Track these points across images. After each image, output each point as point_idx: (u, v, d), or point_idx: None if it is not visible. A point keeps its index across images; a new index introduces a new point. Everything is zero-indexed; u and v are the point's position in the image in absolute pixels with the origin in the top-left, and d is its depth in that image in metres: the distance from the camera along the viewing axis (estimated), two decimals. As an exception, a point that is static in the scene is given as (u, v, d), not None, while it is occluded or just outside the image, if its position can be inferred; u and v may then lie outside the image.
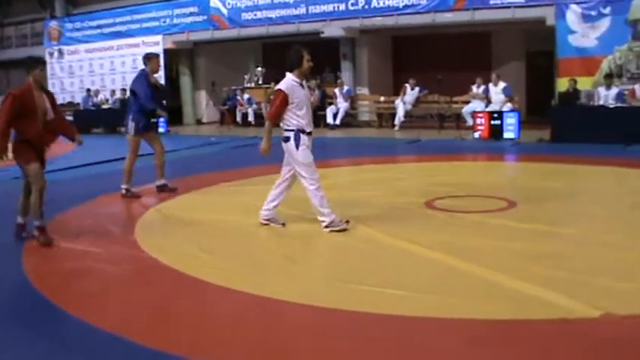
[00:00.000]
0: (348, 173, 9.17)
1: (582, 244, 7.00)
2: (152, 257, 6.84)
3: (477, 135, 17.67)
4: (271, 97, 23.32)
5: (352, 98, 23.04)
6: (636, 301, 5.20)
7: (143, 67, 10.37)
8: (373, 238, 7.41)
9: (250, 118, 24.24)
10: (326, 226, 7.63)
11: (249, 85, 25.70)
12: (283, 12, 23.31)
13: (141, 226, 8.30)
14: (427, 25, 21.10)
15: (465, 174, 10.02)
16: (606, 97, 16.51)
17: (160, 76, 23.13)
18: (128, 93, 11.54)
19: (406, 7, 21.10)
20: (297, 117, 7.73)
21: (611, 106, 16.19)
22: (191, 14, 25.17)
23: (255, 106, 24.29)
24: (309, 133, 7.83)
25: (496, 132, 17.34)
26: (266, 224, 7.99)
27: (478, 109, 18.73)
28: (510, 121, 17.16)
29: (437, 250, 6.72)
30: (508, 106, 18.40)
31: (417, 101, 21.52)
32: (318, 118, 22.66)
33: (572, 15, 18.46)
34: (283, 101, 7.63)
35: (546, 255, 6.58)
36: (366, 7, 21.75)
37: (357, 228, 7.81)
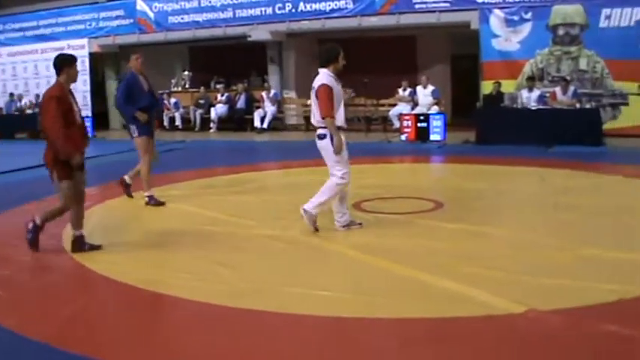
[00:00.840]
0: (277, 177, 9.23)
1: (507, 243, 7.19)
2: (80, 264, 6.75)
3: (403, 137, 17.87)
4: (200, 101, 23.23)
5: (279, 102, 23.09)
6: (559, 296, 5.36)
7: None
8: (301, 240, 7.47)
9: (177, 122, 24.06)
10: (304, 212, 7.69)
11: (176, 89, 25.52)
12: (210, 15, 23.19)
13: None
14: (353, 28, 21.25)
15: (392, 176, 10.15)
16: (528, 99, 16.88)
17: (86, 81, 22.94)
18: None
19: (333, 10, 21.24)
20: None
21: (533, 108, 16.56)
22: (117, 17, 24.81)
23: (182, 110, 24.12)
24: (344, 130, 7.72)
25: (423, 134, 17.57)
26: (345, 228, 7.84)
27: (405, 112, 18.95)
28: (437, 124, 17.42)
29: (365, 252, 6.81)
30: (435, 108, 18.67)
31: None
32: (246, 122, 22.70)
33: (496, 19, 18.85)
34: (330, 95, 7.46)
35: (472, 254, 6.72)
36: (293, 10, 21.81)
37: (287, 231, 7.86)
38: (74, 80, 7.12)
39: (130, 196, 10.09)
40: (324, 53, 7.77)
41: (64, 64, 7.00)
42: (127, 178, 10.11)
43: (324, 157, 7.68)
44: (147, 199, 9.64)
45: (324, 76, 7.57)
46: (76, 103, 7.18)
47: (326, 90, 7.44)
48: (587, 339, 4.57)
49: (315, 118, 7.64)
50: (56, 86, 6.98)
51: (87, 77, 23.05)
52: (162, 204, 9.58)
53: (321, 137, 7.58)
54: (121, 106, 9.74)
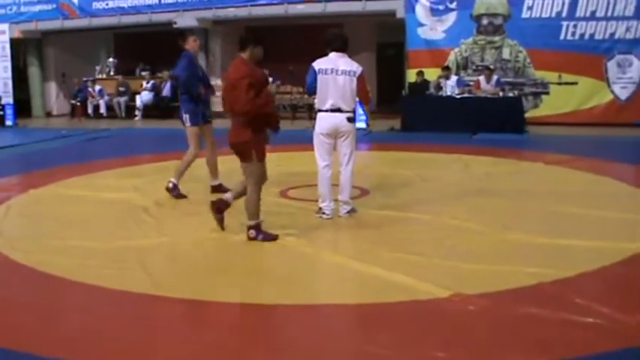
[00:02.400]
0: (200, 165, 9.17)
1: (432, 229, 7.31)
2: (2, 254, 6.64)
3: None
4: (121, 88, 22.92)
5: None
6: (482, 280, 5.49)
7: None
8: (229, 227, 7.43)
9: (102, 110, 23.68)
10: (349, 208, 7.88)
11: (100, 76, 25.12)
12: (135, 2, 22.86)
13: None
14: (280, 16, 21.25)
15: (318, 164, 10.22)
16: (446, 86, 17.15)
17: (7, 67, 22.39)
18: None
19: (260, -2, 21.21)
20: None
21: (457, 96, 16.81)
22: (39, 2, 24.14)
23: (107, 97, 23.76)
24: None
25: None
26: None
27: (331, 100, 18.99)
28: (361, 112, 17.52)
29: (291, 238, 6.84)
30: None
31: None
32: (172, 110, 22.47)
33: (421, 9, 19.08)
34: None
35: (398, 240, 6.82)
36: (220, -3, 21.71)
37: (212, 218, 7.84)
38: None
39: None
40: (340, 38, 7.82)
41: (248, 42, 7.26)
42: (212, 183, 9.46)
43: (348, 141, 7.75)
44: (171, 185, 9.10)
45: (353, 61, 7.75)
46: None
47: (364, 76, 7.76)
48: (510, 321, 4.71)
49: (345, 101, 7.59)
50: (245, 64, 6.98)
51: (8, 64, 22.43)
52: (184, 197, 9.07)
53: (351, 120, 7.73)
54: (189, 83, 9.09)
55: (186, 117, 9.06)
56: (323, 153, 7.77)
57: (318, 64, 7.61)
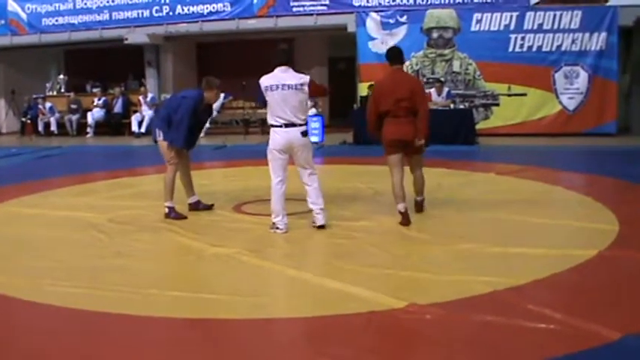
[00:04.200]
0: (155, 181, 9.14)
1: (384, 240, 7.34)
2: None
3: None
4: (72, 105, 22.72)
5: (157, 106, 22.81)
6: (437, 290, 5.55)
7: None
8: (182, 244, 7.44)
9: (53, 127, 23.39)
10: (323, 215, 7.89)
11: (51, 93, 24.86)
12: (86, 18, 22.70)
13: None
14: (231, 31, 21.28)
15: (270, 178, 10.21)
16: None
17: None
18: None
19: (210, 13, 21.20)
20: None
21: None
22: (-13, 19, 23.98)
23: (57, 115, 23.52)
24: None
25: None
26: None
27: (284, 114, 19.05)
28: (314, 125, 17.55)
29: (247, 253, 6.83)
30: (312, 110, 18.84)
31: (222, 107, 21.64)
32: (123, 127, 22.36)
33: (372, 23, 19.24)
34: None
35: (350, 253, 6.86)
36: (171, 13, 21.66)
37: (168, 235, 7.83)
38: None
39: (208, 206, 9.30)
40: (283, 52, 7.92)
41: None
42: (191, 199, 9.27)
43: (304, 156, 7.85)
44: (167, 210, 8.77)
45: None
46: None
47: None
48: (465, 329, 4.75)
49: (297, 115, 7.66)
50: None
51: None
52: (183, 217, 8.73)
53: (305, 134, 7.82)
54: (180, 130, 8.69)
55: (159, 132, 8.83)
56: (277, 168, 7.77)
57: (263, 82, 7.67)
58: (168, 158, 8.80)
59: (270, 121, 7.74)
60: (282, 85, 7.56)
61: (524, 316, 4.85)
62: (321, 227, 7.78)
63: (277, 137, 7.66)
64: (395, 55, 8.37)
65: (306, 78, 7.73)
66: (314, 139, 17.42)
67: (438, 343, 4.58)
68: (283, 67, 7.68)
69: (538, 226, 7.76)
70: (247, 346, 4.67)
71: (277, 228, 7.71)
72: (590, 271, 6.08)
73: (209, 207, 9.19)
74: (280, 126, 7.62)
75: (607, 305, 5.19)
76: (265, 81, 7.65)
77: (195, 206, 9.15)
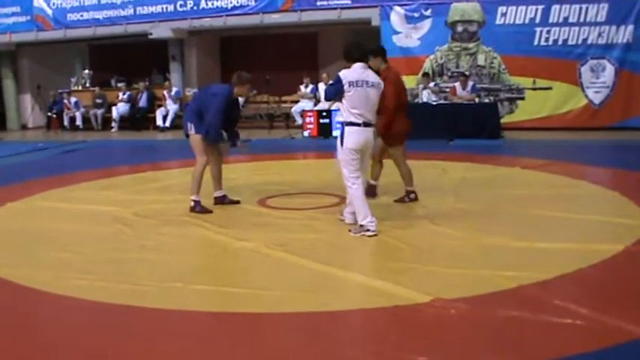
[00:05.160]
0: (180, 175, 9.17)
1: (410, 234, 7.30)
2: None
3: (306, 134, 18.00)
4: (97, 100, 22.81)
5: (181, 100, 22.89)
6: (462, 285, 5.52)
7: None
8: (208, 237, 7.46)
9: (78, 121, 23.52)
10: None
11: (76, 88, 24.97)
12: (110, 13, 22.78)
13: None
14: (255, 26, 21.27)
15: (296, 172, 10.22)
16: (429, 94, 17.25)
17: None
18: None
19: (234, 8, 21.19)
20: None
21: (433, 103, 16.91)
22: (13, 14, 24.00)
23: (82, 109, 23.66)
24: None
25: (325, 130, 17.72)
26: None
27: (307, 108, 19.11)
28: (338, 119, 17.53)
29: (272, 247, 6.84)
30: (337, 105, 18.83)
31: (246, 102, 21.67)
32: (148, 121, 22.44)
33: (396, 16, 19.16)
34: None
35: (375, 247, 6.86)
36: (195, 8, 21.67)
37: (193, 229, 7.85)
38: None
39: (234, 201, 9.27)
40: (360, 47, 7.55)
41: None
42: (217, 193, 9.26)
43: (367, 158, 7.60)
44: (192, 203, 8.78)
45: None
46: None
47: None
48: (490, 324, 4.74)
49: (373, 116, 7.35)
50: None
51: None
52: (209, 211, 8.72)
53: (374, 134, 7.60)
54: (212, 126, 8.70)
55: (190, 125, 8.80)
56: (355, 168, 7.30)
57: (347, 76, 7.19)
58: (198, 151, 8.80)
59: (350, 118, 7.23)
60: (366, 82, 7.19)
61: (549, 312, 4.82)
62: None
63: (357, 136, 7.21)
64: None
65: (380, 79, 7.51)
66: (337, 132, 17.41)
67: (463, 338, 4.56)
68: (362, 64, 7.33)
69: (564, 221, 7.71)
70: (271, 340, 4.68)
71: (367, 230, 7.15)
72: (617, 266, 6.04)
73: (235, 202, 9.18)
74: (360, 124, 7.19)
75: (633, 301, 5.15)
76: (350, 75, 7.20)
77: (221, 200, 9.15)
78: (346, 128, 7.26)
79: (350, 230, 7.35)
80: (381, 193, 9.26)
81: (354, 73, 7.23)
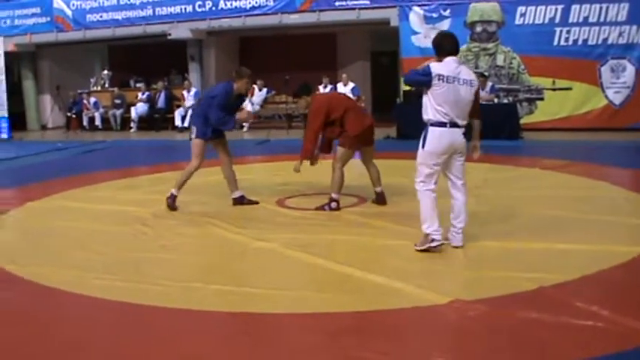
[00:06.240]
0: (198, 175, 9.17)
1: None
2: (1, 268, 6.61)
3: (325, 134, 17.96)
4: (116, 100, 22.91)
5: (200, 101, 22.92)
6: (481, 287, 5.52)
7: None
8: (227, 238, 7.47)
9: (97, 122, 23.66)
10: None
11: (95, 88, 25.08)
12: (129, 13, 22.86)
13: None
14: (274, 26, 21.28)
15: (314, 172, 10.17)
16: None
17: (1, 80, 22.34)
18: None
19: (253, 8, 21.21)
20: None
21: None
22: (33, 15, 24.13)
23: (102, 109, 23.76)
24: None
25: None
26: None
27: (326, 109, 19.08)
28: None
29: (290, 247, 6.85)
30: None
31: (265, 102, 21.72)
32: (167, 121, 22.50)
33: (415, 17, 19.12)
34: None
35: (397, 248, 6.83)
36: (214, 8, 21.70)
37: (211, 229, 7.87)
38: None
39: (254, 202, 9.28)
40: (453, 40, 6.73)
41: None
42: (234, 195, 9.30)
43: (461, 162, 6.84)
44: (169, 194, 9.04)
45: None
46: None
47: None
48: (510, 326, 4.71)
49: (463, 117, 6.55)
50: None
51: (2, 77, 22.39)
52: (175, 209, 8.94)
53: (465, 136, 6.69)
54: (219, 122, 8.88)
55: (193, 129, 9.07)
56: (432, 175, 6.63)
57: (437, 69, 6.41)
58: (194, 154, 9.04)
59: (434, 116, 6.45)
60: (459, 79, 6.39)
61: (570, 314, 4.79)
62: (457, 247, 6.66)
63: (440, 138, 6.45)
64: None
65: (475, 77, 6.78)
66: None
67: (483, 340, 4.55)
68: (456, 58, 6.53)
69: (584, 222, 7.65)
70: (289, 341, 4.68)
71: (433, 240, 6.52)
72: (638, 268, 5.99)
73: (254, 202, 9.21)
74: (446, 124, 6.42)
75: (655, 303, 5.11)
76: (440, 68, 6.41)
77: (240, 201, 9.19)
78: (430, 128, 6.48)
79: (415, 245, 6.65)
80: (390, 194, 9.21)
81: (446, 66, 6.42)
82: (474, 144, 6.93)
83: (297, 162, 8.88)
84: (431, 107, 6.43)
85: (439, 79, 6.32)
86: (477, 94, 6.57)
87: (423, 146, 6.52)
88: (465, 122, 6.54)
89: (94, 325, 5.07)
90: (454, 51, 6.55)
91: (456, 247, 6.64)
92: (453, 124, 6.43)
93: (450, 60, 6.47)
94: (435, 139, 6.45)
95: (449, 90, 6.34)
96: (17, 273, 6.35)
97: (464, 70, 6.51)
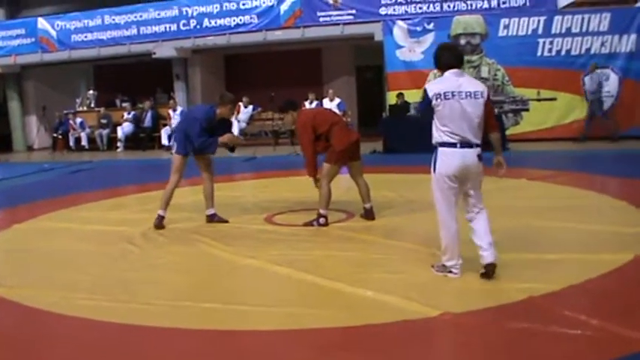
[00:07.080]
0: (188, 193, 9.18)
1: (416, 249, 7.25)
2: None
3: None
4: (102, 120, 22.86)
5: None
6: (471, 298, 5.53)
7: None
8: (215, 255, 7.45)
9: (84, 142, 23.67)
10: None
11: (81, 108, 25.10)
12: (114, 33, 22.93)
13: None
14: (259, 43, 21.35)
15: (302, 188, 10.20)
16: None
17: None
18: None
19: (237, 25, 21.30)
20: None
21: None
22: (18, 36, 24.20)
23: (88, 130, 23.74)
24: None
25: (331, 146, 17.69)
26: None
27: (312, 125, 19.10)
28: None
29: (279, 264, 6.83)
30: (341, 120, 18.87)
31: (251, 119, 21.74)
32: (153, 140, 22.49)
33: (399, 31, 19.24)
34: None
35: (384, 261, 6.81)
36: (198, 26, 21.79)
37: (200, 247, 7.84)
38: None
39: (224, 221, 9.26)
40: (454, 51, 6.41)
41: None
42: (208, 211, 9.31)
43: (477, 185, 6.40)
44: (157, 214, 9.06)
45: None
46: None
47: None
48: (502, 337, 4.71)
49: (475, 133, 6.13)
50: None
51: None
52: (162, 227, 8.94)
53: (481, 157, 6.24)
54: (203, 145, 8.89)
55: (174, 144, 9.12)
56: (449, 201, 6.21)
57: (432, 88, 6.06)
58: (173, 170, 8.99)
59: (441, 138, 6.07)
60: (460, 93, 5.97)
61: (560, 323, 4.79)
62: (490, 265, 6.07)
63: (449, 159, 6.04)
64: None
65: (485, 88, 6.29)
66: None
67: (474, 352, 4.54)
68: (457, 71, 6.13)
69: (572, 232, 7.69)
70: (279, 357, 4.65)
71: (450, 272, 6.20)
72: (627, 275, 6.01)
73: (223, 221, 9.20)
74: (455, 144, 6.01)
75: (644, 310, 5.12)
76: (435, 87, 6.06)
77: (211, 219, 9.22)
78: (439, 150, 6.08)
79: (432, 266, 6.43)
80: (377, 208, 9.23)
81: (442, 83, 6.08)
82: (497, 159, 6.57)
83: (312, 179, 9.08)
84: (436, 129, 6.07)
85: (437, 99, 5.96)
86: (487, 105, 6.13)
87: (434, 170, 6.11)
88: (478, 141, 6.12)
89: (81, 347, 5.03)
90: (455, 63, 6.16)
91: (489, 265, 6.07)
92: (465, 144, 6.02)
93: (449, 74, 6.10)
94: (445, 160, 6.04)
95: (451, 107, 5.95)
96: (3, 295, 6.28)
97: (466, 83, 6.09)
